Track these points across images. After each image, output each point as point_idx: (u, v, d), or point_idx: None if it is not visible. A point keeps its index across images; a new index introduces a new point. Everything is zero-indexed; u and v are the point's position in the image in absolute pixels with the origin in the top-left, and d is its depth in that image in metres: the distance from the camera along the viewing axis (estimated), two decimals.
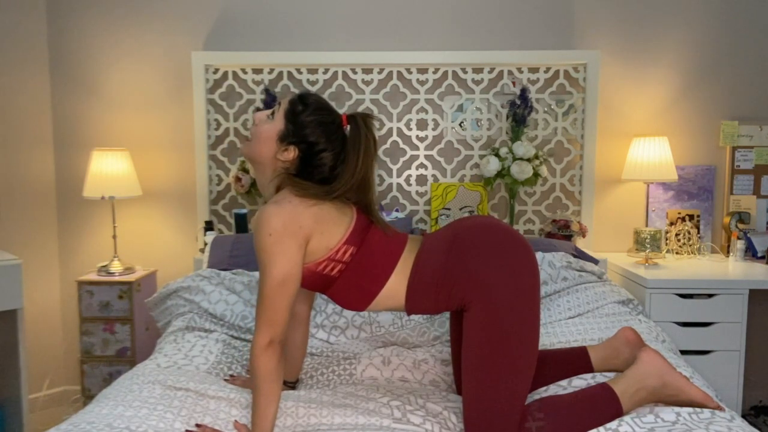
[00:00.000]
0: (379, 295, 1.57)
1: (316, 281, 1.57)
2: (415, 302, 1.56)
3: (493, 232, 1.55)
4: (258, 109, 1.48)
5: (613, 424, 1.46)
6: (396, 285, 1.56)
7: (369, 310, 1.60)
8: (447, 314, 2.13)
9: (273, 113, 1.59)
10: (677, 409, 1.50)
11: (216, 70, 2.92)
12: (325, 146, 1.56)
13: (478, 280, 1.48)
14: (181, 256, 3.04)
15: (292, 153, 1.56)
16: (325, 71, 2.90)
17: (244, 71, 2.91)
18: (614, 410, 1.49)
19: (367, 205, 1.61)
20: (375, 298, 1.57)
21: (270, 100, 2.83)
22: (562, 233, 2.79)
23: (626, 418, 1.48)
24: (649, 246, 2.69)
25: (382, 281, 1.56)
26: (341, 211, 1.57)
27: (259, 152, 1.58)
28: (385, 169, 2.95)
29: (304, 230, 1.48)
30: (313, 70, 2.91)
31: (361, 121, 1.57)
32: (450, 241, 1.56)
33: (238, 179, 2.80)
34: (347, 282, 1.56)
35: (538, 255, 2.42)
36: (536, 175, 2.78)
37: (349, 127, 1.58)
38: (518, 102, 2.82)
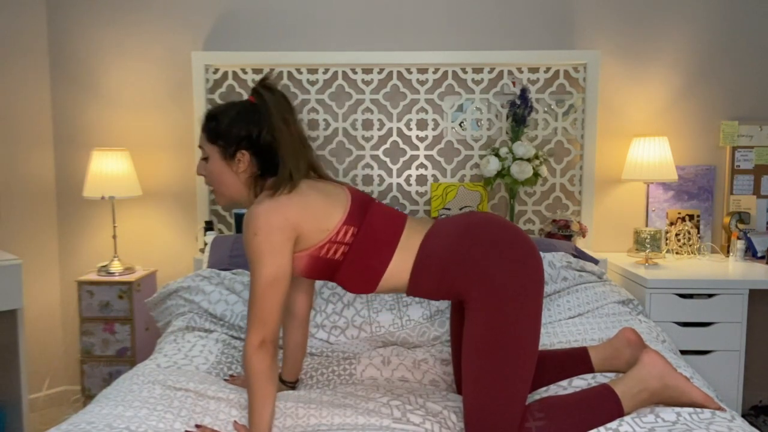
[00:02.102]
0: (385, 274, 1.56)
1: (322, 268, 1.57)
2: (419, 282, 1.56)
3: (506, 230, 1.55)
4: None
5: (613, 424, 1.46)
6: (400, 263, 1.55)
7: (377, 291, 1.59)
8: (447, 314, 2.14)
9: (203, 152, 1.61)
10: (677, 409, 1.50)
11: (216, 70, 2.92)
12: (256, 129, 1.55)
13: (485, 275, 1.48)
14: (181, 256, 3.04)
15: (244, 159, 1.56)
16: (325, 71, 2.90)
17: (244, 71, 2.91)
18: (615, 411, 1.49)
19: (312, 164, 1.61)
20: (382, 276, 1.56)
21: None
22: (562, 233, 2.79)
23: (627, 417, 1.48)
24: (649, 246, 2.69)
25: (387, 259, 1.55)
26: (331, 194, 1.57)
27: (230, 190, 1.60)
28: (385, 169, 2.95)
29: (291, 221, 1.48)
30: (313, 70, 2.91)
31: (262, 88, 1.57)
32: (463, 229, 1.55)
33: None
34: (353, 264, 1.55)
35: None
36: (536, 175, 2.78)
37: (257, 101, 1.58)
38: (518, 102, 2.82)
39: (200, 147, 1.61)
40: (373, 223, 1.56)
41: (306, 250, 1.53)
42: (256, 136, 1.55)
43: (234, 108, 1.58)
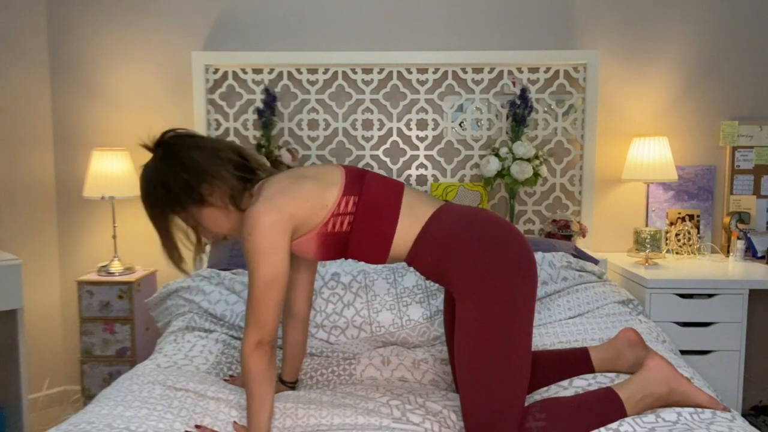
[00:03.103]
0: (395, 239, 1.56)
1: (333, 244, 1.57)
2: (418, 254, 1.56)
3: (505, 230, 1.55)
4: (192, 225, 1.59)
5: (614, 424, 1.46)
6: (406, 230, 1.56)
7: (390, 260, 1.60)
8: None
9: (192, 224, 1.60)
10: (678, 408, 1.50)
11: (216, 70, 2.92)
12: (187, 164, 1.54)
13: (477, 269, 1.48)
14: None
15: (208, 190, 1.54)
16: (325, 71, 2.90)
17: (244, 71, 2.91)
18: (618, 415, 1.48)
19: (241, 154, 1.61)
20: (392, 241, 1.56)
21: (270, 100, 2.83)
22: (562, 233, 2.79)
23: (627, 417, 1.48)
24: (649, 246, 2.69)
25: (393, 221, 1.55)
26: (322, 174, 1.58)
27: (230, 222, 1.59)
28: (385, 170, 2.95)
29: (285, 211, 1.49)
30: (313, 70, 2.91)
31: (157, 150, 1.57)
32: (468, 220, 1.55)
33: None
34: (361, 232, 1.55)
35: (538, 255, 2.42)
36: (536, 175, 2.78)
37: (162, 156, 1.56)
38: (518, 102, 2.82)
39: (186, 223, 1.59)
40: (372, 188, 1.57)
41: (312, 230, 1.54)
42: (193, 168, 1.53)
43: (157, 174, 1.54)
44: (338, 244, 1.57)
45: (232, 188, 1.56)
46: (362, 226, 1.55)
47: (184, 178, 1.52)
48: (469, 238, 1.51)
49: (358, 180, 1.59)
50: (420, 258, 1.56)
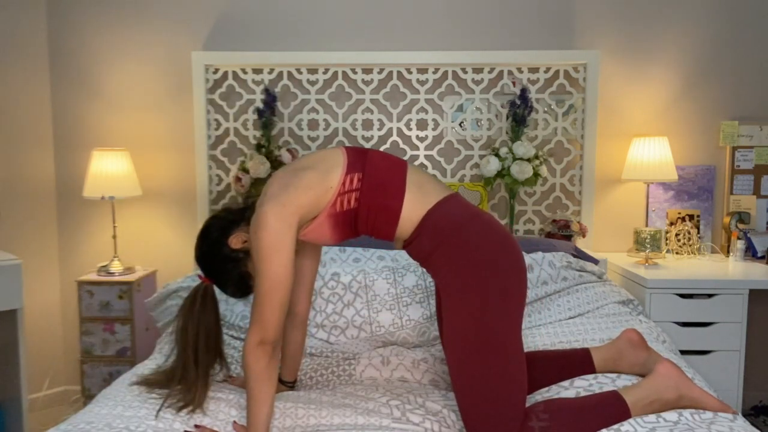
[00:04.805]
0: (402, 214, 1.56)
1: (344, 222, 1.58)
2: (422, 232, 1.56)
3: (501, 231, 1.56)
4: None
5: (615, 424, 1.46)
6: (412, 209, 1.57)
7: (396, 240, 1.61)
8: None
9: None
10: (679, 408, 1.50)
11: (216, 70, 2.92)
12: (215, 237, 1.66)
13: (474, 270, 1.49)
14: (181, 256, 3.04)
15: (237, 239, 1.62)
16: (325, 71, 2.90)
17: (244, 71, 2.91)
18: (622, 418, 1.48)
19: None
20: (400, 215, 1.56)
21: (270, 100, 2.83)
22: (562, 233, 2.79)
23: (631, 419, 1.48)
24: (649, 246, 2.69)
25: (399, 195, 1.56)
26: (322, 160, 1.60)
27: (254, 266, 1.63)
28: None
29: (289, 206, 1.50)
30: (313, 70, 2.91)
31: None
32: (471, 217, 1.56)
33: (238, 179, 2.80)
34: (369, 206, 1.56)
35: (538, 255, 2.42)
36: (536, 175, 2.78)
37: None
38: (518, 102, 2.82)
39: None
40: (375, 164, 1.59)
41: (322, 213, 1.55)
42: (215, 239, 1.64)
43: (224, 286, 1.68)
44: (349, 221, 1.59)
45: (238, 218, 1.65)
46: (369, 200, 1.56)
47: (223, 258, 1.64)
48: (472, 232, 1.52)
49: (360, 157, 1.60)
50: (419, 239, 1.56)
